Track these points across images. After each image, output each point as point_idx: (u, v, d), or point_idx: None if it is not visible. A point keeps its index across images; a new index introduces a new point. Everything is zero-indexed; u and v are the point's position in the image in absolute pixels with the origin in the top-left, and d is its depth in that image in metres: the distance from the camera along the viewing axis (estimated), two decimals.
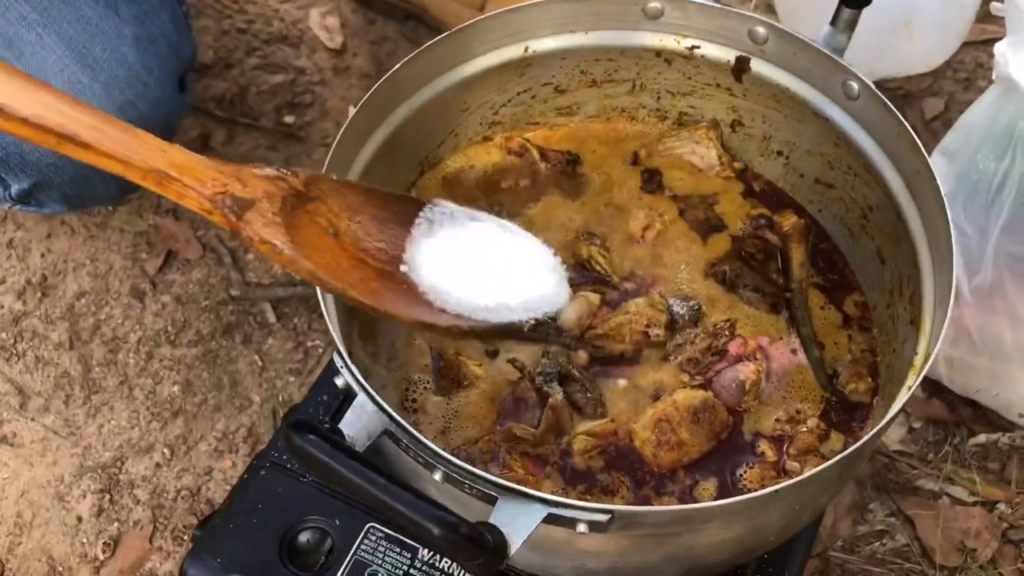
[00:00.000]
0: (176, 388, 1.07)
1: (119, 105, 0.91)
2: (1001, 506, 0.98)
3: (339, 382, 0.51)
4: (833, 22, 0.65)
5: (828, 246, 0.71)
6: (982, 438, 1.02)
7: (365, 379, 0.50)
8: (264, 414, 1.05)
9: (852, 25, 0.64)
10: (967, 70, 1.33)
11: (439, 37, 0.65)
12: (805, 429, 0.63)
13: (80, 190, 0.97)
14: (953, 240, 0.54)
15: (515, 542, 0.45)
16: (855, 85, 0.63)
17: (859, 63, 1.28)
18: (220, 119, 1.27)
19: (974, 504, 0.98)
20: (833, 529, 0.97)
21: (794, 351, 0.65)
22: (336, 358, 0.50)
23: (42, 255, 1.15)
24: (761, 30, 0.66)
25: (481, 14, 1.24)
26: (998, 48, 0.86)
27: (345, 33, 1.36)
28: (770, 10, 1.39)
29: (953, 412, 1.03)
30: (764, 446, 0.62)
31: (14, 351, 1.09)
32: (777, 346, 0.65)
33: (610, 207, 0.73)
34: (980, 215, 0.93)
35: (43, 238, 1.17)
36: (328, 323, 0.52)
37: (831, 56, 0.63)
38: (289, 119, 1.28)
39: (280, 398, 1.06)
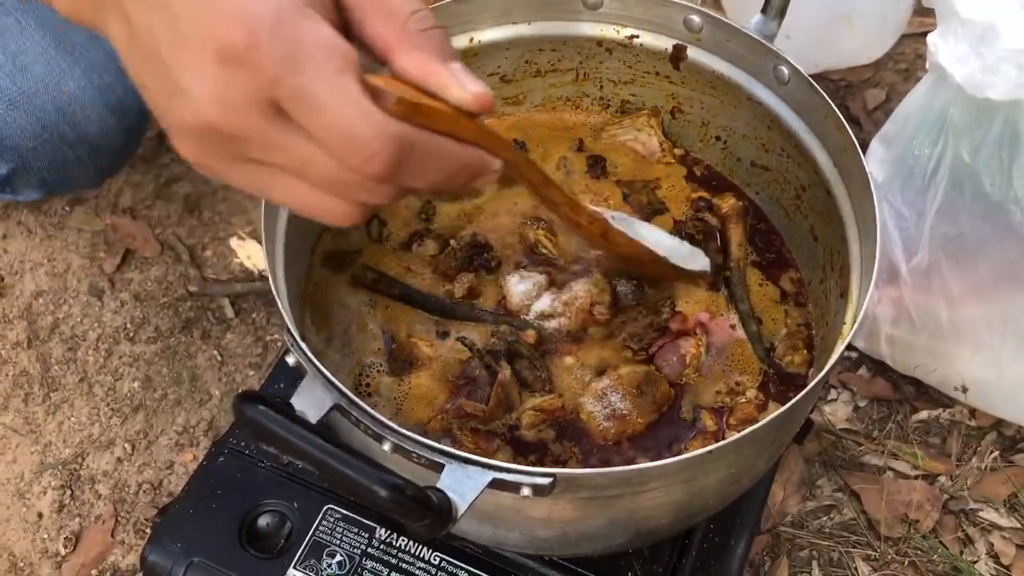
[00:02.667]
0: (136, 384, 1.07)
1: (99, 88, 0.92)
2: (942, 479, 1.01)
3: (290, 360, 0.52)
4: (764, 10, 0.67)
5: (766, 226, 0.74)
6: (924, 414, 1.06)
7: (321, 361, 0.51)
8: (224, 408, 1.06)
9: (782, 12, 0.67)
10: (907, 61, 1.38)
11: None
12: (744, 400, 0.65)
13: (59, 175, 0.98)
14: (876, 212, 0.57)
15: (461, 505, 0.47)
16: (785, 70, 0.65)
17: (802, 55, 1.31)
18: None
19: (916, 478, 1.02)
20: (782, 505, 1.00)
21: (733, 326, 0.68)
22: (286, 336, 0.52)
23: None
24: (696, 18, 0.68)
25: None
26: (930, 39, 0.89)
27: None
28: (716, 3, 1.42)
29: (896, 390, 1.07)
30: (705, 417, 0.64)
31: None
32: (717, 321, 0.67)
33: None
34: (917, 199, 0.96)
35: None
36: (279, 304, 0.54)
37: (762, 42, 0.66)
38: None
39: (240, 391, 1.07)
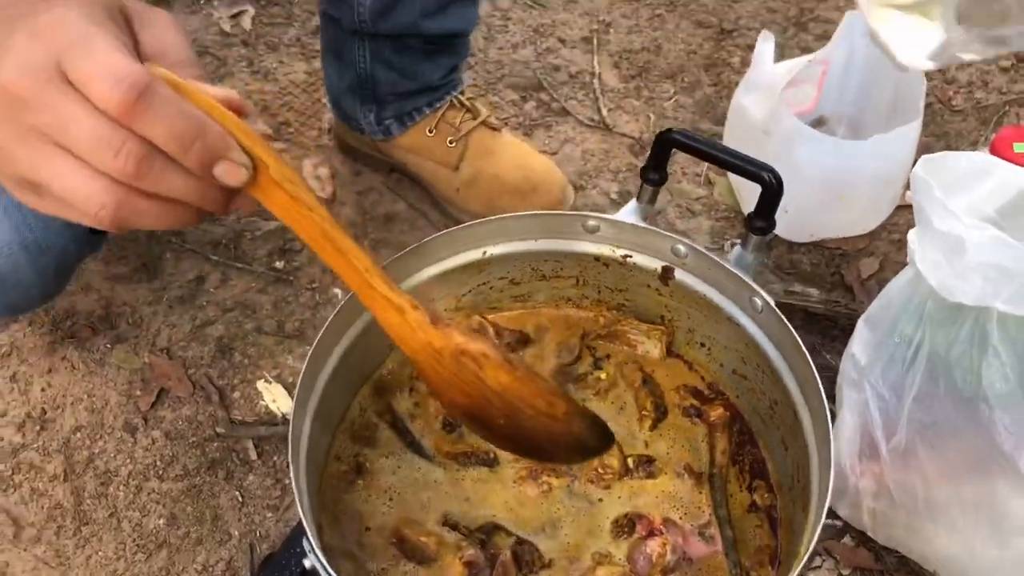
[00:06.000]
0: (162, 521, 1.15)
1: (15, 224, 0.92)
2: None
3: (307, 563, 0.60)
4: (743, 245, 0.76)
5: (745, 431, 0.81)
6: None
7: (330, 561, 0.59)
8: (242, 548, 1.13)
9: (760, 248, 0.76)
10: (901, 232, 1.46)
11: (411, 247, 0.77)
12: None
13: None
14: (831, 461, 0.64)
15: None
16: (759, 301, 0.74)
17: (798, 227, 1.42)
18: (215, 262, 1.39)
19: None
20: None
21: (706, 538, 0.74)
22: (305, 543, 0.59)
23: (42, 389, 1.24)
24: (682, 248, 0.77)
25: (455, 173, 1.38)
26: (910, 236, 0.97)
27: (335, 183, 1.49)
28: (721, 172, 1.52)
29: (879, 560, 1.12)
30: None
31: (11, 482, 1.17)
32: (691, 539, 0.74)
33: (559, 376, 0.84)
34: (896, 382, 1.03)
35: (44, 373, 1.26)
36: (298, 506, 0.62)
37: (738, 275, 0.74)
38: (279, 264, 1.39)
39: (258, 533, 1.14)
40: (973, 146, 1.58)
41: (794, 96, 1.45)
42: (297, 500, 0.62)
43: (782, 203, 1.39)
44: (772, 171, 0.72)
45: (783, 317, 0.71)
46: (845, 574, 1.12)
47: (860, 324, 1.07)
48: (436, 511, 0.75)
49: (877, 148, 1.29)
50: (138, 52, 0.52)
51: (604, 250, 0.81)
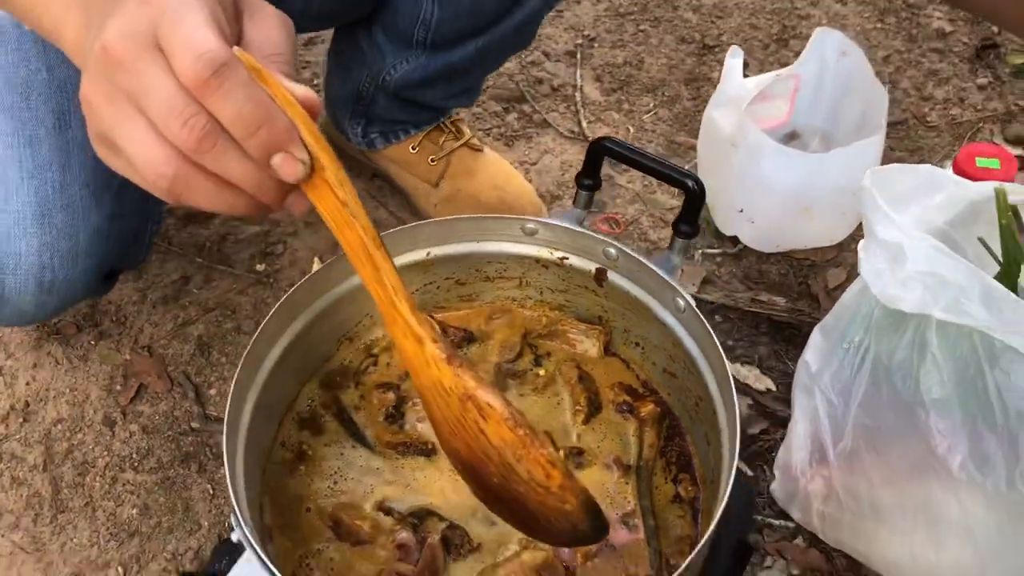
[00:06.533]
0: (135, 511, 1.19)
1: (38, 263, 0.93)
2: None
3: (234, 537, 0.64)
4: (669, 247, 0.80)
5: (675, 426, 0.85)
6: None
7: (266, 542, 0.63)
8: (211, 538, 1.17)
9: (684, 251, 0.80)
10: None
11: None
12: None
13: None
14: (736, 452, 0.67)
15: None
16: (681, 301, 0.77)
17: (765, 238, 1.45)
18: (199, 264, 1.43)
19: None
20: None
21: (630, 527, 0.77)
22: (232, 518, 0.64)
23: (27, 383, 1.29)
24: (612, 251, 0.81)
25: (434, 189, 1.43)
26: (859, 247, 1.00)
27: None
28: None
29: (829, 562, 1.15)
30: None
31: None
32: (615, 526, 0.77)
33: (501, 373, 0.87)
34: (844, 389, 1.06)
35: (30, 367, 1.31)
36: (228, 485, 0.66)
37: (662, 276, 0.78)
38: (260, 267, 1.44)
39: (226, 524, 1.18)
40: (944, 161, 1.60)
41: (767, 111, 1.49)
42: (228, 476, 0.66)
43: (748, 213, 1.43)
44: (695, 178, 0.75)
45: (702, 317, 0.75)
46: (796, 574, 1.15)
47: (815, 332, 1.10)
48: (374, 497, 0.79)
49: (840, 161, 1.33)
50: (240, 38, 0.54)
51: (543, 252, 0.85)
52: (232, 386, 0.71)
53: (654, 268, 0.78)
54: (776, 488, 1.17)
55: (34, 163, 0.91)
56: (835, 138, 1.50)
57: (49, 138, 0.91)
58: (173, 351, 1.34)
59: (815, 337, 1.09)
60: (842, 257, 1.47)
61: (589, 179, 0.82)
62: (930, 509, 1.00)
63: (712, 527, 0.64)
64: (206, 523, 1.18)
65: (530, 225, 0.83)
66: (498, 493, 0.64)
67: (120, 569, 1.14)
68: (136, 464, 1.23)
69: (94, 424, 1.26)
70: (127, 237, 1.07)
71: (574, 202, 0.84)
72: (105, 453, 1.23)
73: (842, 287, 1.43)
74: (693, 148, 1.62)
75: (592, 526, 0.63)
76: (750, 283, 1.44)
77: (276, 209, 0.57)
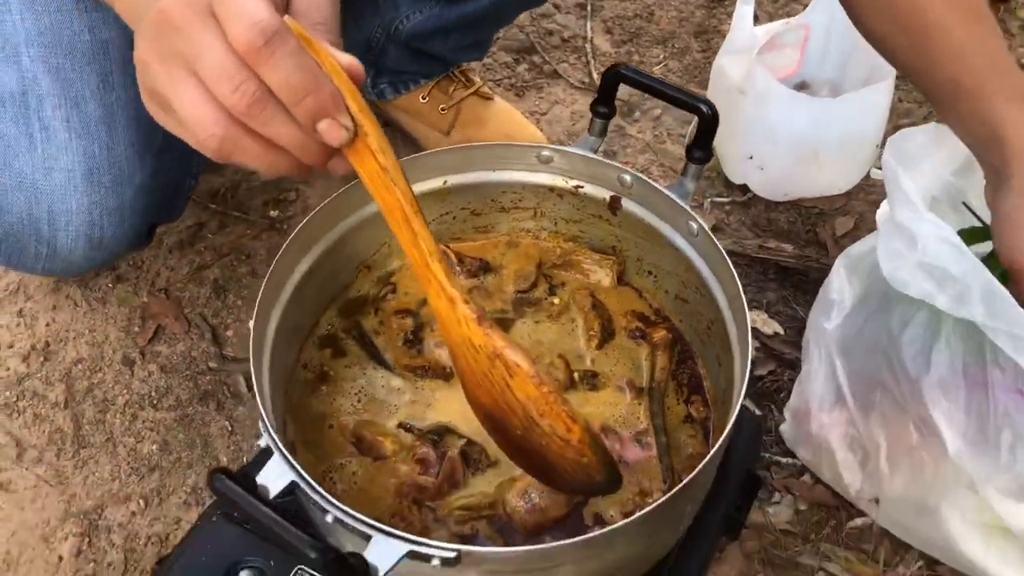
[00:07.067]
0: (155, 447, 1.22)
1: (89, 221, 0.98)
2: None
3: (261, 442, 0.66)
4: (683, 173, 0.81)
5: (686, 351, 0.86)
6: (858, 521, 1.16)
7: (293, 456, 0.65)
8: None
9: (697, 176, 0.81)
10: (877, 192, 1.50)
11: None
12: (651, 500, 0.77)
13: (10, 251, 1.01)
14: (749, 360, 0.69)
15: (381, 569, 0.60)
16: (694, 225, 0.79)
17: (774, 186, 1.46)
18: (214, 210, 1.45)
19: None
20: None
21: (642, 444, 0.80)
22: (260, 424, 0.66)
23: (47, 324, 1.32)
24: (627, 177, 0.83)
25: (445, 137, 1.44)
26: (879, 218, 0.98)
27: None
28: None
29: (835, 497, 1.17)
30: (614, 512, 0.76)
31: (16, 408, 1.24)
32: (628, 444, 0.79)
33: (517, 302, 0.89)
34: (856, 344, 1.05)
35: (49, 309, 1.33)
36: (256, 390, 0.68)
37: (677, 201, 0.80)
38: (274, 213, 1.46)
39: (244, 459, 1.21)
40: None
41: (777, 60, 1.49)
42: (255, 385, 0.68)
43: (758, 160, 1.44)
44: (708, 103, 0.77)
45: (715, 239, 0.76)
46: (803, 509, 1.18)
47: (838, 271, 1.08)
48: (395, 416, 0.81)
49: (849, 106, 1.34)
50: (288, 7, 0.56)
51: (558, 181, 0.87)
52: (257, 304, 0.73)
53: (668, 194, 0.79)
54: (786, 429, 1.19)
55: (81, 123, 0.94)
56: (844, 89, 1.51)
57: (94, 99, 0.94)
58: (189, 294, 1.36)
59: (835, 282, 1.08)
60: (850, 205, 1.49)
61: (604, 107, 0.83)
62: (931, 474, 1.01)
63: (727, 429, 0.66)
64: (224, 458, 1.21)
65: (545, 153, 0.84)
66: (519, 444, 0.69)
67: (141, 502, 1.17)
68: (155, 402, 1.25)
69: (113, 364, 1.28)
70: (169, 192, 1.10)
71: (589, 130, 0.86)
72: (125, 391, 1.26)
73: (850, 235, 1.45)
74: None
75: (607, 478, 0.69)
76: (758, 231, 1.45)
77: (319, 170, 0.60)
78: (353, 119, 0.56)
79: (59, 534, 1.14)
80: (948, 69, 0.86)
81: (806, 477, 1.20)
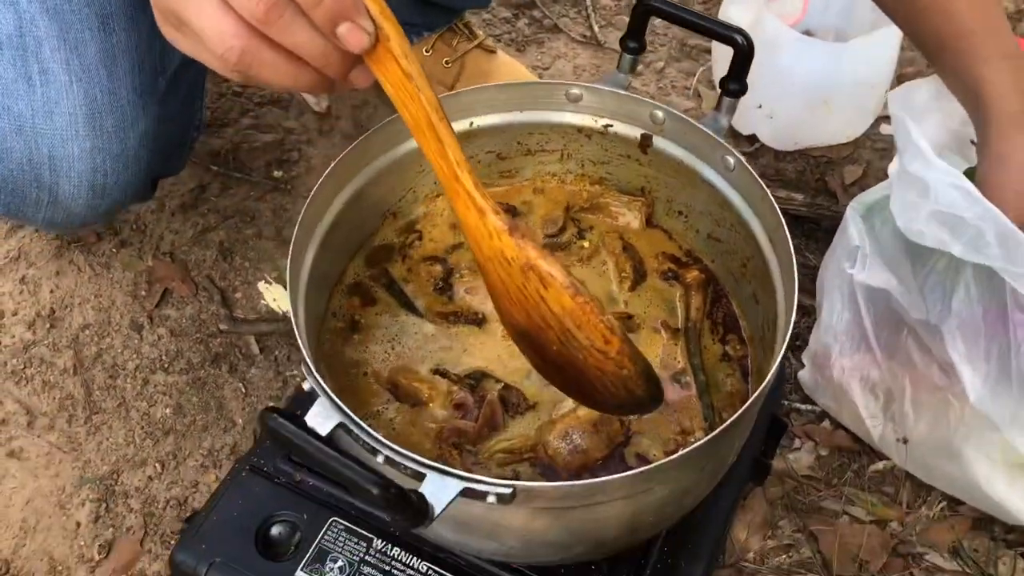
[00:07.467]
0: (168, 411, 1.20)
1: (92, 166, 0.95)
2: (893, 524, 1.11)
3: (305, 386, 0.64)
4: (716, 108, 0.80)
5: (719, 291, 0.85)
6: (880, 465, 1.16)
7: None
8: (246, 435, 1.18)
9: (732, 110, 0.80)
10: (885, 141, 1.50)
11: (396, 115, 0.80)
12: (693, 439, 0.76)
13: (11, 201, 0.99)
14: (795, 283, 0.69)
15: (437, 507, 0.58)
16: (731, 159, 0.78)
17: (784, 134, 1.45)
18: (216, 172, 1.42)
19: (870, 523, 1.11)
20: (746, 543, 1.10)
21: (682, 384, 0.79)
22: (303, 367, 0.64)
23: (51, 291, 1.29)
24: (660, 114, 0.81)
25: (449, 91, 1.42)
26: (891, 172, 0.97)
27: (330, 98, 1.52)
28: (710, 85, 1.56)
29: (856, 441, 1.17)
30: (656, 452, 0.76)
31: (23, 375, 1.22)
32: (667, 384, 0.78)
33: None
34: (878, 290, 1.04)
35: (52, 275, 1.30)
36: (297, 336, 0.66)
37: (712, 136, 0.78)
38: (278, 173, 1.43)
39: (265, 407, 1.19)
40: None
41: (782, 8, 1.48)
42: (293, 321, 0.66)
43: (768, 109, 1.43)
44: (743, 33, 0.75)
45: (753, 172, 0.75)
46: (824, 455, 1.18)
47: (854, 215, 1.07)
48: (428, 361, 0.80)
49: (859, 51, 1.33)
50: None
51: (586, 120, 0.85)
52: (290, 253, 0.71)
53: (704, 128, 0.78)
54: (804, 375, 1.18)
55: (81, 66, 0.91)
56: (849, 36, 1.49)
57: (95, 41, 0.92)
58: (195, 257, 1.33)
59: (851, 228, 1.07)
60: (858, 154, 1.48)
61: (634, 41, 0.82)
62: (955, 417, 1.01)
63: (777, 360, 0.65)
64: (240, 420, 1.19)
65: (574, 91, 0.82)
66: (556, 361, 0.66)
67: (157, 466, 1.15)
68: (166, 366, 1.23)
69: (121, 328, 1.26)
70: (174, 141, 1.08)
71: (618, 66, 0.84)
72: (135, 356, 1.24)
73: (859, 183, 1.45)
74: (706, 51, 1.61)
75: (648, 392, 0.66)
76: (767, 181, 1.43)
77: (340, 85, 0.58)
78: (374, 22, 0.54)
79: (75, 500, 1.12)
80: (935, 22, 0.85)
81: (826, 423, 1.20)
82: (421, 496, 0.57)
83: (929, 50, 0.89)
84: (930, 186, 0.87)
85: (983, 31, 0.83)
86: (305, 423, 0.60)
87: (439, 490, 0.59)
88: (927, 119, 0.97)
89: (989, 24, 0.84)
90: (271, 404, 1.19)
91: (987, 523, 1.09)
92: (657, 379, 0.66)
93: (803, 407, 1.21)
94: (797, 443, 1.19)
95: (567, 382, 0.69)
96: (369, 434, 0.61)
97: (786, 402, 1.21)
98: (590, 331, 0.62)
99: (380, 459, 0.61)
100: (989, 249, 0.83)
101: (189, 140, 1.16)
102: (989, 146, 0.83)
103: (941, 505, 1.12)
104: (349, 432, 0.62)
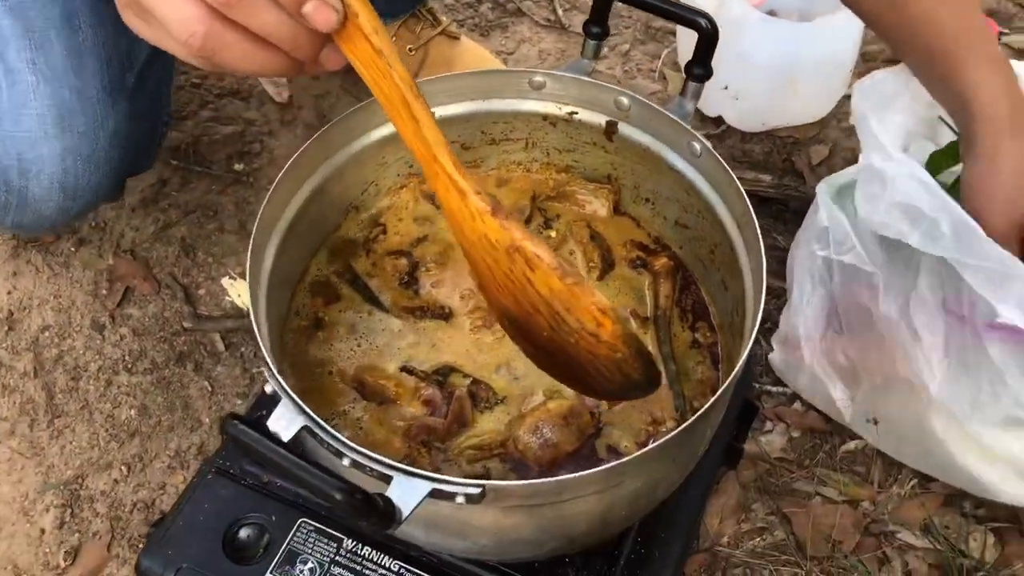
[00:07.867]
0: (133, 412, 1.17)
1: (63, 168, 0.93)
2: (864, 503, 1.12)
3: (267, 389, 0.63)
4: (682, 93, 0.79)
5: (688, 278, 0.85)
6: (851, 445, 1.16)
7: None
8: (213, 434, 1.16)
9: (697, 95, 0.79)
10: (850, 120, 1.49)
11: (358, 105, 0.78)
12: (664, 429, 0.76)
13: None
14: (763, 267, 0.68)
15: (405, 510, 0.57)
16: (697, 145, 0.77)
17: (750, 115, 1.44)
18: (175, 166, 1.39)
19: (842, 503, 1.12)
20: (720, 527, 1.10)
21: None
22: (264, 369, 0.62)
23: (8, 292, 1.26)
24: (625, 100, 0.80)
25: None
26: (858, 170, 0.97)
27: (291, 88, 1.49)
28: (676, 68, 1.55)
29: (828, 422, 1.18)
30: (627, 443, 0.75)
31: None
32: None
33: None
34: (845, 277, 1.04)
35: (9, 276, 1.27)
36: (258, 339, 0.65)
37: (678, 122, 0.77)
38: (239, 166, 1.40)
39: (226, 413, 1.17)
40: None
41: None
42: (254, 322, 0.65)
43: (733, 90, 1.42)
44: (707, 17, 0.74)
45: (720, 158, 0.74)
46: (796, 436, 1.18)
47: (823, 197, 1.07)
48: (396, 358, 0.78)
49: (823, 30, 1.32)
50: None
51: (550, 108, 0.84)
52: (249, 249, 0.69)
53: (668, 114, 0.77)
54: (775, 358, 1.18)
55: (48, 66, 0.89)
56: (813, 16, 1.49)
57: (60, 40, 0.90)
58: (157, 254, 1.31)
59: (822, 209, 1.07)
60: (824, 134, 1.48)
61: (597, 26, 0.80)
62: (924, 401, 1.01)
63: (748, 346, 0.64)
64: (207, 420, 1.17)
65: (538, 78, 0.81)
66: (548, 348, 0.64)
67: (123, 469, 1.13)
68: (130, 366, 1.21)
69: (83, 329, 1.23)
70: (143, 137, 1.05)
71: (582, 52, 0.83)
72: (97, 357, 1.21)
73: (826, 163, 1.45)
74: (671, 32, 1.60)
75: (645, 374, 0.63)
76: (734, 163, 1.44)
77: (310, 67, 0.55)
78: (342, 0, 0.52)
79: (39, 506, 1.10)
80: (919, 30, 0.84)
81: (797, 405, 1.20)
82: (388, 500, 0.56)
83: (913, 58, 0.89)
84: (889, 178, 0.87)
85: (967, 37, 0.83)
86: (266, 428, 0.58)
87: (406, 492, 0.58)
88: (893, 104, 0.96)
89: (973, 30, 0.84)
90: (237, 403, 1.17)
91: (958, 499, 1.10)
92: (653, 360, 0.62)
93: (774, 389, 1.21)
94: (769, 425, 1.19)
95: (561, 369, 0.66)
96: (334, 437, 0.59)
97: (757, 385, 1.21)
98: (580, 313, 0.59)
99: (346, 462, 0.60)
100: (944, 240, 0.84)
101: (158, 136, 1.13)
102: (977, 150, 0.82)
103: (912, 483, 1.13)
104: (314, 435, 0.61)
